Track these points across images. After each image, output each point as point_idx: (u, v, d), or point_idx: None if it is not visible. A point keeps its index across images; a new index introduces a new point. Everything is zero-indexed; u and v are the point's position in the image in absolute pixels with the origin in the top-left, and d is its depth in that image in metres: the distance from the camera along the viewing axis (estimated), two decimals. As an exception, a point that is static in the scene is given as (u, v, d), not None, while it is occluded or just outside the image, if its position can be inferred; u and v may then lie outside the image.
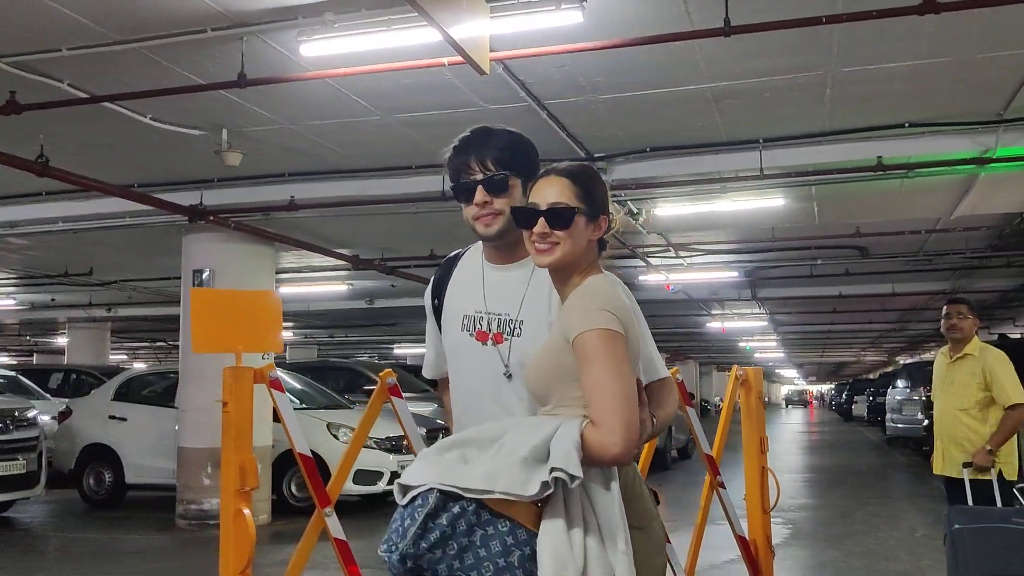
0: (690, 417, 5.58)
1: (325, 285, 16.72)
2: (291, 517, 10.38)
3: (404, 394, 4.31)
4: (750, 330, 26.78)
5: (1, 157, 7.43)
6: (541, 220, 2.14)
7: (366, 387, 15.83)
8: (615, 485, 2.02)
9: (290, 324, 23.71)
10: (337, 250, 12.56)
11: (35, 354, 31.72)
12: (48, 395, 15.24)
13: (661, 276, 15.13)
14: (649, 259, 13.81)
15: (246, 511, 3.64)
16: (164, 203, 9.22)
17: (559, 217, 2.13)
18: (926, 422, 14.26)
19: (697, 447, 4.95)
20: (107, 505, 11.70)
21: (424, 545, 1.91)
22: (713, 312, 22.42)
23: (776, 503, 5.33)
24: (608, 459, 1.95)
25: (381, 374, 4.40)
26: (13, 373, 15.94)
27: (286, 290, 16.35)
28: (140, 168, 9.10)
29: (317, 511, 4.22)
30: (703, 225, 11.49)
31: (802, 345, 37.34)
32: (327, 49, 5.61)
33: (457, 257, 2.55)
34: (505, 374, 2.30)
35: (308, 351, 30.22)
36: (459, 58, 5.07)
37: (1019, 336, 19.44)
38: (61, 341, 24.61)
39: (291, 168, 9.16)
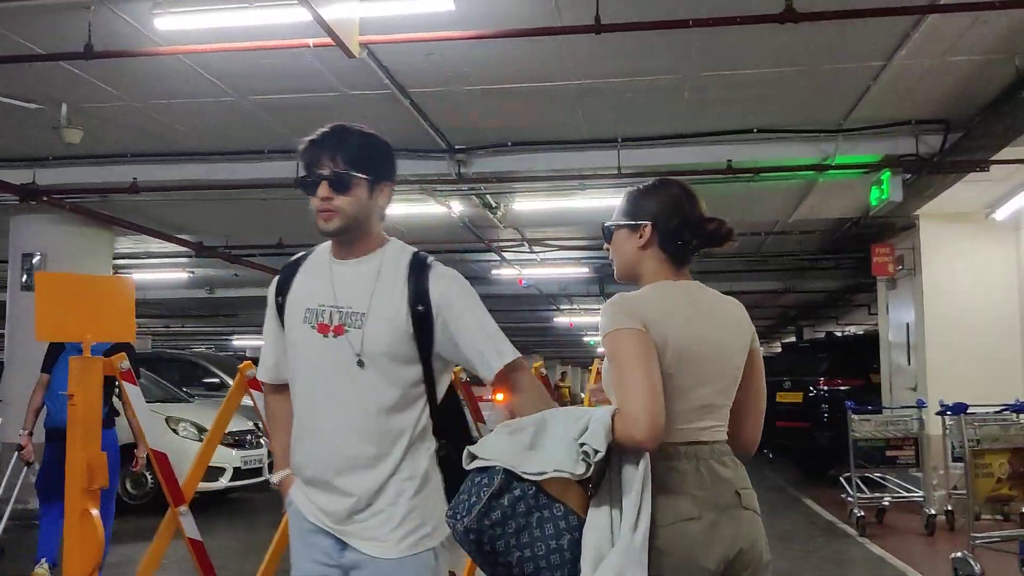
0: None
1: (164, 272, 16.00)
2: (124, 516, 9.86)
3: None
4: (595, 325, 27.32)
5: None
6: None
7: (205, 380, 15.26)
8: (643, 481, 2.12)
9: (124, 313, 22.51)
10: (180, 236, 12.03)
11: None
12: None
13: (514, 271, 15.27)
14: (503, 253, 13.90)
15: (94, 511, 3.42)
16: (-8, 181, 8.56)
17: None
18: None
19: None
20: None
21: (487, 522, 2.08)
22: (562, 307, 22.82)
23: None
24: None
25: (241, 366, 4.23)
26: None
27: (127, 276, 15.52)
28: (-35, 142, 8.42)
29: (171, 510, 4.01)
30: (559, 221, 11.64)
31: (642, 341, 38.41)
32: (184, 24, 5.34)
33: (303, 258, 2.59)
34: (358, 362, 2.35)
35: (142, 341, 28.88)
36: (325, 40, 4.93)
37: (840, 334, 20.71)
38: None
39: (134, 149, 8.69)
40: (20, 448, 6.40)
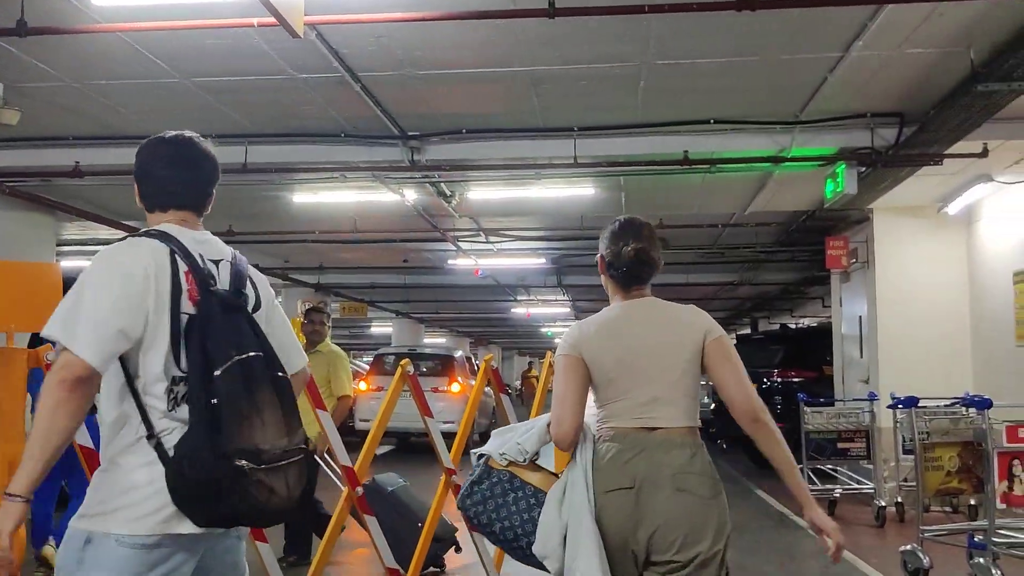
0: (503, 404, 5.57)
1: (112, 260, 15.59)
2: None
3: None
4: (553, 316, 27.37)
5: None
6: None
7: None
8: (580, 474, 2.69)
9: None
10: (127, 222, 11.70)
11: None
12: None
13: (470, 261, 15.13)
14: (459, 243, 13.76)
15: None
16: (-74, 163, 8.25)
17: None
18: (713, 406, 15.02)
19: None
20: None
21: (468, 502, 2.84)
22: (519, 298, 22.73)
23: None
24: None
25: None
26: None
27: (69, 264, 15.14)
28: None
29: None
30: (515, 211, 11.53)
31: (599, 331, 38.57)
32: (122, 0, 5.12)
33: None
34: None
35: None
36: (270, 20, 4.75)
37: (795, 326, 20.86)
38: None
39: (75, 131, 8.41)
40: None
